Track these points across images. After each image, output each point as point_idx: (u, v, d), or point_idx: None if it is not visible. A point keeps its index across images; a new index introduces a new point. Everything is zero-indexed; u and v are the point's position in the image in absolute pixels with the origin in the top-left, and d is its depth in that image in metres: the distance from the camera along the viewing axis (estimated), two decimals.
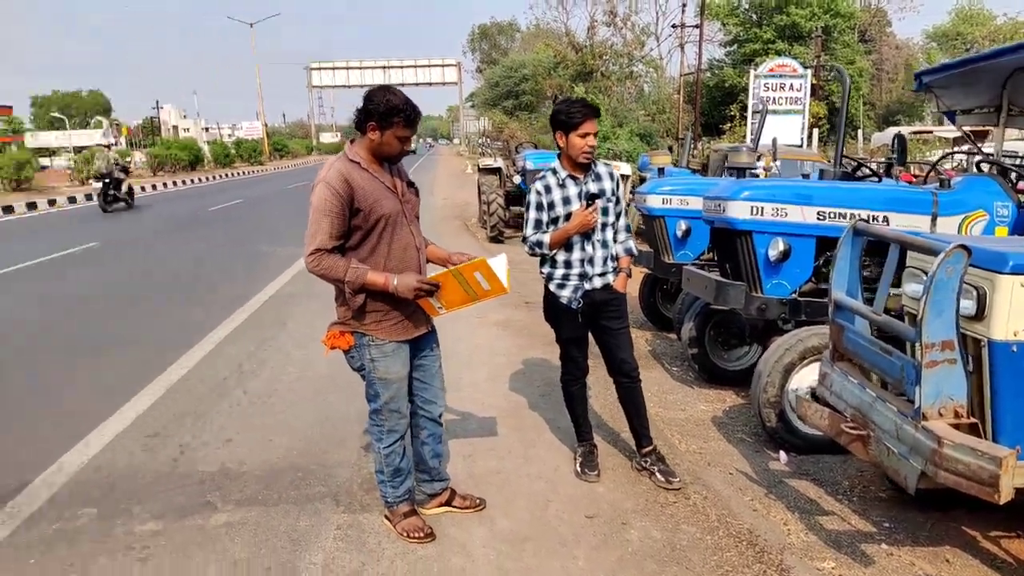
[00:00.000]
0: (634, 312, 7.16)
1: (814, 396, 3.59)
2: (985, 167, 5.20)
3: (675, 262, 6.62)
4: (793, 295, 4.85)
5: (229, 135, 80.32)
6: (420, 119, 3.15)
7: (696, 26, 26.48)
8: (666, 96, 30.51)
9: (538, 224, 3.80)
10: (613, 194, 3.81)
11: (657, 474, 3.88)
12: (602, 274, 3.80)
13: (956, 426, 2.65)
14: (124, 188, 20.16)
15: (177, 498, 3.75)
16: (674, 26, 31.49)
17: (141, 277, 10.35)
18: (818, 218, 4.78)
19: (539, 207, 3.79)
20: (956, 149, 10.90)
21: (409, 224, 3.18)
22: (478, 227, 14.84)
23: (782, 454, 4.27)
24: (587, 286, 3.78)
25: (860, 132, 29.62)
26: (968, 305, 2.73)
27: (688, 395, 5.39)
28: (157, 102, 68.17)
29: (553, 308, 3.91)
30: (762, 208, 4.82)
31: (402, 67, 74.04)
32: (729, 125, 25.19)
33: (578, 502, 3.68)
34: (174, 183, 32.47)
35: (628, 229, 3.96)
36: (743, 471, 4.10)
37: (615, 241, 3.87)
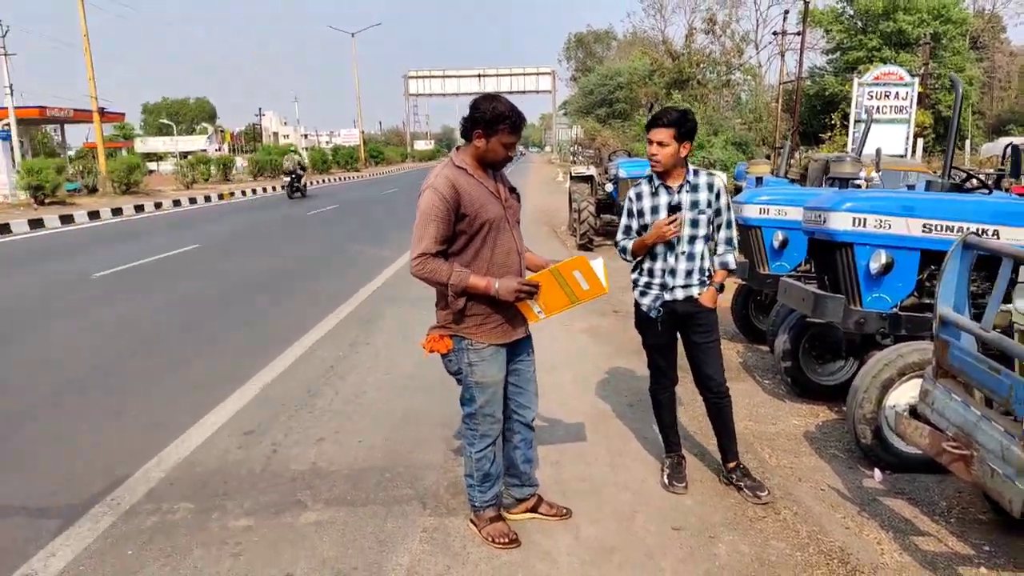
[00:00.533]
0: (726, 323, 7.06)
1: (913, 413, 3.48)
2: None
3: (771, 273, 6.49)
4: (894, 309, 4.70)
5: (327, 141, 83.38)
6: (524, 126, 3.21)
7: (798, 33, 25.74)
8: (764, 104, 29.77)
9: (627, 230, 3.86)
10: (709, 206, 3.74)
11: (745, 489, 3.85)
12: (685, 286, 3.75)
13: None
14: (302, 182, 27.09)
15: (269, 495, 3.91)
16: (775, 33, 30.79)
17: (247, 276, 10.92)
18: (923, 231, 4.61)
19: (629, 214, 3.85)
20: None
21: (511, 229, 3.23)
22: (567, 234, 14.91)
23: (876, 472, 4.13)
24: (667, 296, 3.77)
25: (968, 142, 28.05)
26: None
27: (780, 409, 5.28)
28: (260, 109, 71.38)
29: (637, 314, 3.95)
30: (865, 220, 4.69)
31: (497, 75, 75.06)
32: (829, 134, 24.34)
33: (665, 514, 3.67)
34: (272, 188, 33.97)
35: (731, 242, 3.87)
36: (835, 488, 4.00)
37: (715, 253, 3.83)
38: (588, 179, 14.16)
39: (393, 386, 5.71)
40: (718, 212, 3.78)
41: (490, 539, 3.38)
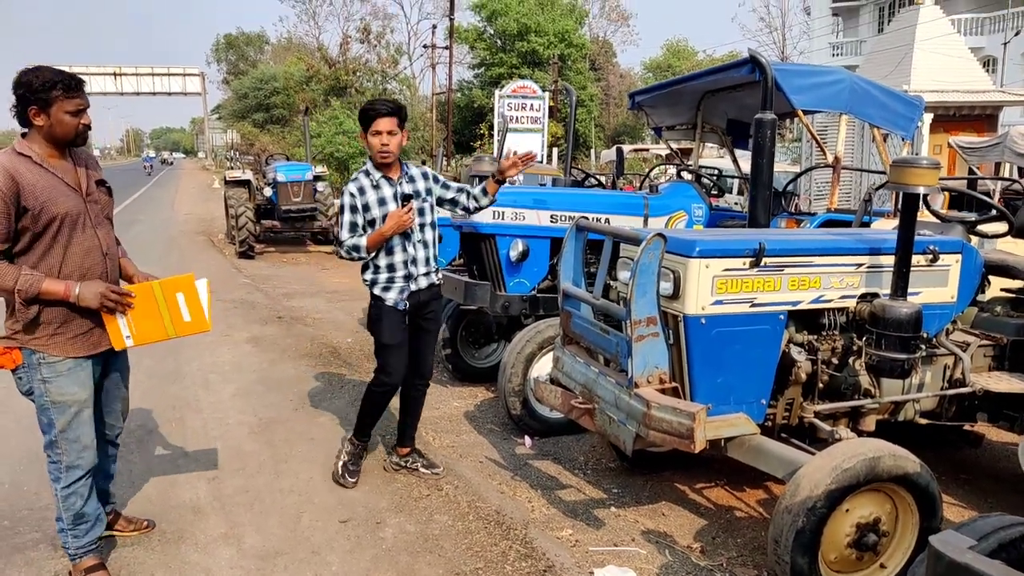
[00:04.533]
0: None
1: (553, 381, 3.88)
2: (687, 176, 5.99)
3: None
4: (533, 292, 5.21)
5: None
6: (83, 85, 2.79)
7: (446, 47, 27.35)
8: (420, 114, 31.12)
9: (353, 227, 3.68)
10: (430, 193, 3.83)
11: (420, 468, 3.99)
12: (426, 273, 3.81)
13: (662, 391, 3.02)
14: None
15: None
16: (425, 46, 32.28)
17: None
18: (551, 221, 5.20)
19: (353, 209, 3.68)
20: (664, 162, 12.43)
21: (95, 226, 2.83)
22: (226, 243, 14.04)
23: (527, 439, 4.55)
24: (413, 287, 3.76)
25: (593, 151, 32.46)
26: (667, 286, 3.12)
27: (442, 394, 5.54)
28: None
29: (377, 313, 3.79)
30: (503, 213, 5.15)
31: (137, 74, 67.68)
32: (479, 143, 26.32)
33: (332, 510, 3.63)
34: None
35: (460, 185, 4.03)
36: (492, 459, 4.31)
37: (467, 193, 3.93)
38: (245, 184, 13.49)
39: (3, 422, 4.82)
40: (445, 187, 3.92)
41: None
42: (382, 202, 3.68)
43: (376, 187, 3.70)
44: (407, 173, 3.79)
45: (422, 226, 3.78)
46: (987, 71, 21.03)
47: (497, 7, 32.95)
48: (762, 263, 3.13)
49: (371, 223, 3.69)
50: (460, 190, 3.96)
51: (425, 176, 3.86)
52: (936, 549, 1.79)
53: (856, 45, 35.26)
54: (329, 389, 5.48)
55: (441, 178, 3.97)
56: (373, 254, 3.69)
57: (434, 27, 30.92)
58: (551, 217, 5.17)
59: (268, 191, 13.12)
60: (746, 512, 3.75)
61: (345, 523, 3.49)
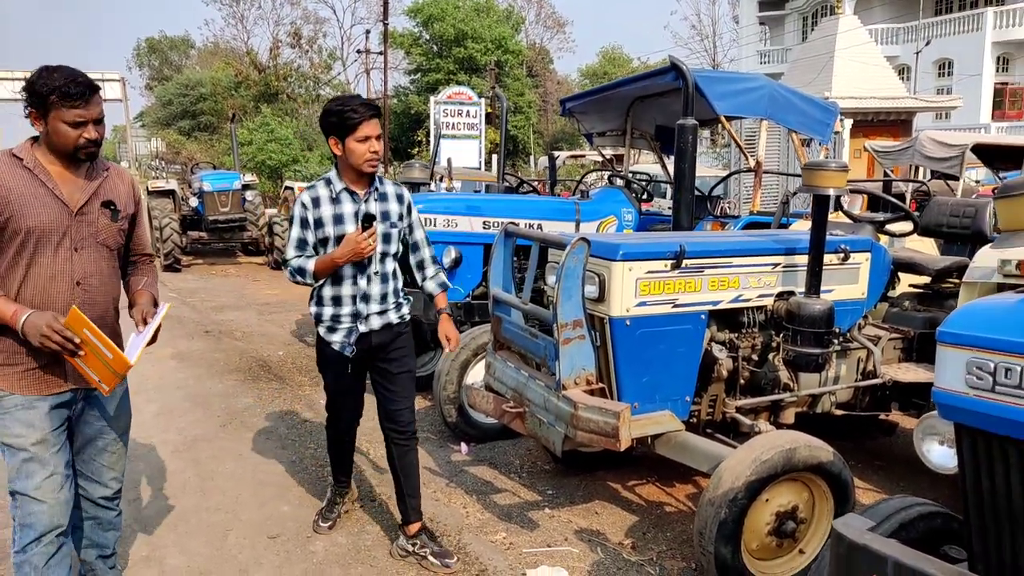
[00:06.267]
0: None
1: (486, 387, 3.90)
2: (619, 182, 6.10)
3: None
4: (467, 298, 5.23)
5: None
6: (92, 94, 2.41)
7: (380, 53, 27.19)
8: None
9: (302, 245, 3.08)
10: (401, 219, 3.18)
11: (430, 557, 3.20)
12: (381, 312, 3.15)
13: (589, 392, 3.07)
14: None
15: None
16: (359, 51, 32.02)
17: None
18: (484, 227, 5.23)
19: (304, 223, 3.07)
20: (599, 168, 12.63)
21: (76, 249, 2.45)
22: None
23: (463, 446, 4.55)
24: (362, 328, 3.12)
25: (532, 157, 32.68)
26: (592, 289, 3.18)
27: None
28: None
29: (321, 355, 3.26)
30: (435, 220, 5.15)
31: None
32: (417, 149, 26.22)
33: (261, 526, 3.56)
34: None
35: (437, 261, 3.38)
36: (427, 467, 4.29)
37: (423, 275, 3.31)
38: (169, 194, 13.14)
39: None
40: (411, 228, 3.26)
41: None
42: (339, 219, 3.06)
43: (335, 200, 3.07)
44: (378, 190, 3.14)
45: (384, 256, 3.12)
46: (902, 79, 22.09)
47: (433, 12, 32.92)
48: (683, 265, 3.22)
49: (323, 242, 3.08)
50: (421, 263, 3.31)
51: (400, 199, 3.21)
52: (838, 531, 1.88)
53: (782, 53, 36.54)
54: (259, 404, 5.37)
55: (416, 214, 3.30)
56: (320, 281, 3.12)
57: (368, 32, 30.73)
58: (483, 223, 5.20)
59: (194, 201, 12.82)
60: (676, 507, 3.83)
61: (274, 539, 3.43)
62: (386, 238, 3.11)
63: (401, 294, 3.25)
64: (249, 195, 13.15)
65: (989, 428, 1.75)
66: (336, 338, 3.15)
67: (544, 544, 3.41)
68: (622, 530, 3.58)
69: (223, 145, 29.60)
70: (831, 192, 3.28)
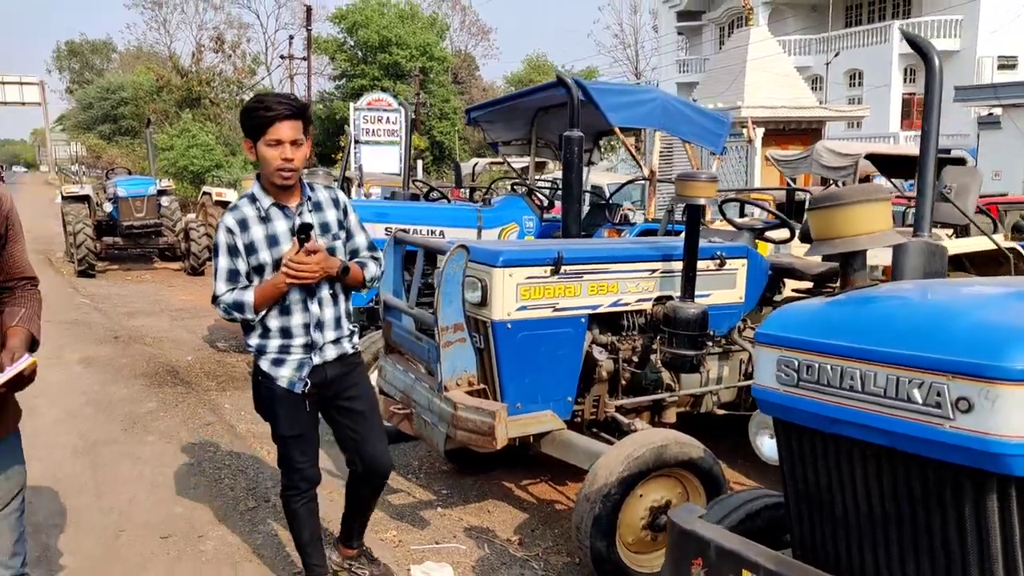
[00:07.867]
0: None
1: (379, 390, 4.00)
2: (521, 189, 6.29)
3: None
4: (370, 303, 5.31)
5: None
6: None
7: (304, 59, 26.91)
8: None
9: (234, 276, 2.64)
10: (341, 227, 2.79)
11: None
12: (336, 340, 2.77)
13: (471, 393, 3.22)
14: None
15: None
16: (283, 57, 31.60)
17: None
18: (386, 233, 5.31)
19: (232, 251, 2.62)
20: (504, 176, 12.86)
21: None
22: (65, 261, 13.22)
23: None
24: (316, 359, 2.72)
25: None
26: (475, 295, 3.33)
27: None
28: None
29: (267, 395, 2.76)
30: None
31: None
32: (341, 155, 26.03)
33: (153, 526, 3.60)
34: None
35: (373, 248, 2.93)
36: (324, 468, 4.35)
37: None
38: (84, 199, 12.80)
39: None
40: (349, 234, 2.85)
41: None
42: (273, 241, 2.64)
43: (265, 219, 2.65)
44: (310, 198, 2.73)
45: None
46: (815, 89, 23.10)
47: (358, 19, 32.80)
48: (561, 271, 3.40)
49: (258, 270, 2.65)
50: (363, 245, 2.91)
51: (336, 203, 2.81)
52: (671, 519, 2.07)
53: (700, 62, 37.63)
54: (163, 408, 5.36)
55: (354, 216, 2.89)
56: (263, 313, 2.69)
57: (291, 37, 30.36)
58: (386, 230, 5.30)
59: (109, 207, 12.54)
60: (566, 504, 4.01)
61: (166, 539, 3.48)
62: (331, 252, 2.70)
63: (352, 316, 2.91)
64: (165, 200, 12.97)
65: (797, 421, 1.93)
66: (284, 372, 2.71)
67: (433, 541, 3.54)
68: (511, 527, 3.73)
69: (144, 150, 28.81)
70: (701, 201, 3.51)
